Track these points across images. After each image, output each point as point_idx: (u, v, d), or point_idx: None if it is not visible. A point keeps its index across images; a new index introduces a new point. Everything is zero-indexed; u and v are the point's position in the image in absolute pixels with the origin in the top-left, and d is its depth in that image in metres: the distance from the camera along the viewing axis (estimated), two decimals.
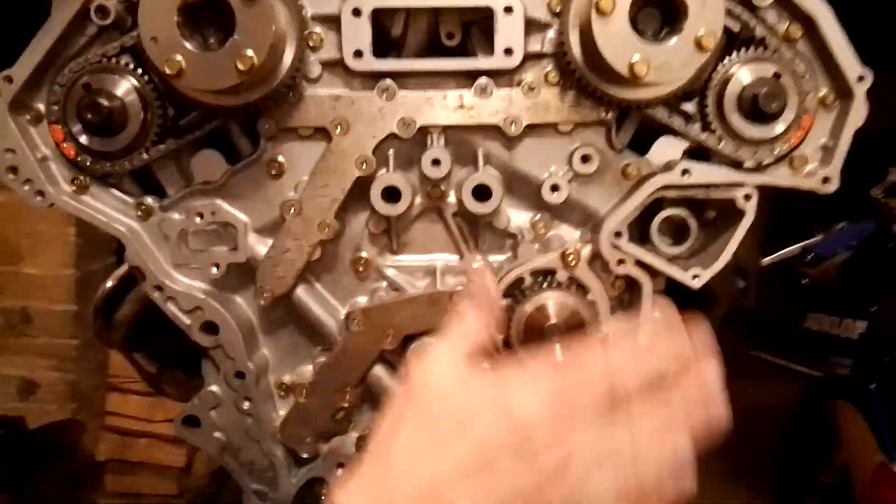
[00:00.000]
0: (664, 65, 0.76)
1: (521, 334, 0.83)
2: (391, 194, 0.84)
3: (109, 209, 0.86)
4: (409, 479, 0.53)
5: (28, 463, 2.47)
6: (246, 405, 0.88)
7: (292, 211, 0.84)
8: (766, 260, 1.77)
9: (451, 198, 0.88)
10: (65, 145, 0.84)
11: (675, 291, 0.95)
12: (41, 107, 0.85)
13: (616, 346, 0.57)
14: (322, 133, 0.84)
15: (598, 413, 0.54)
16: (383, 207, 0.84)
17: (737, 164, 0.86)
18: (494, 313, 0.62)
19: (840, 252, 1.72)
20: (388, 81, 0.83)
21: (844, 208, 1.84)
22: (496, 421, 0.53)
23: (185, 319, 0.87)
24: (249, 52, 0.74)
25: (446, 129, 0.85)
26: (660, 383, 0.55)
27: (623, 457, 0.54)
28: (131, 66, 0.83)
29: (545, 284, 0.85)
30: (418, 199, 0.88)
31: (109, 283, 1.04)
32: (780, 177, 0.87)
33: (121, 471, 2.91)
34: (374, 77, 0.83)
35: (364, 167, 0.84)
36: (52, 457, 2.64)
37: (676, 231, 0.92)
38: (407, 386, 0.58)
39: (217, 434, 0.90)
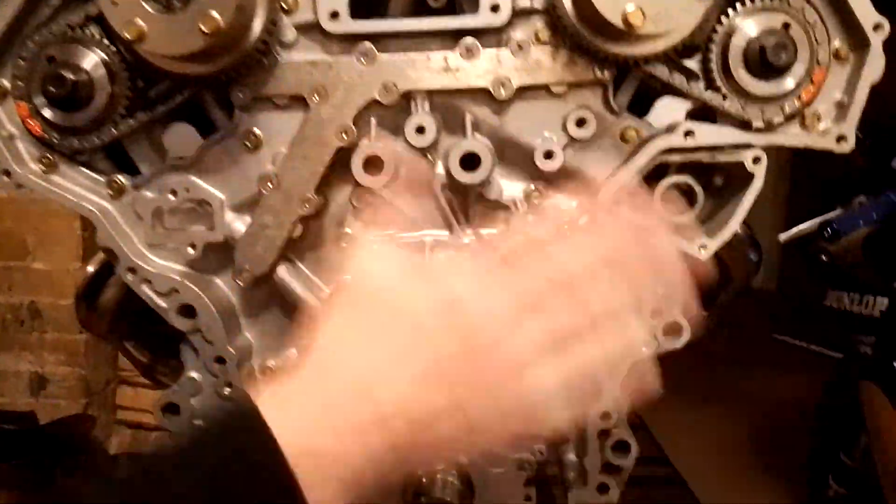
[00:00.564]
0: (661, 13, 0.70)
1: None
2: (374, 165, 0.79)
3: (79, 188, 0.82)
4: (345, 371, 0.51)
5: (41, 457, 2.46)
6: (227, 391, 0.84)
7: (270, 185, 0.80)
8: (783, 236, 1.70)
9: (440, 168, 0.83)
10: (30, 122, 0.80)
11: None
12: (6, 83, 0.81)
13: (567, 232, 0.57)
14: (299, 101, 0.79)
15: (544, 300, 0.53)
16: (366, 179, 0.79)
17: (744, 125, 0.80)
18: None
19: (860, 227, 1.65)
20: (368, 44, 0.77)
21: (864, 182, 1.77)
22: (435, 305, 0.52)
23: (161, 302, 0.83)
24: (214, 13, 0.69)
25: (431, 94, 0.80)
26: (613, 264, 0.55)
27: (572, 346, 0.53)
28: (97, 36, 0.78)
29: None
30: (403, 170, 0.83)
31: (91, 268, 1.00)
32: (792, 136, 0.81)
33: None
34: (352, 40, 0.78)
35: (345, 137, 0.79)
36: (67, 451, 2.63)
37: (682, 199, 0.87)
38: (345, 279, 0.56)
39: (199, 422, 0.86)
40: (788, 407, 3.04)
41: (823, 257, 1.84)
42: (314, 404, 0.51)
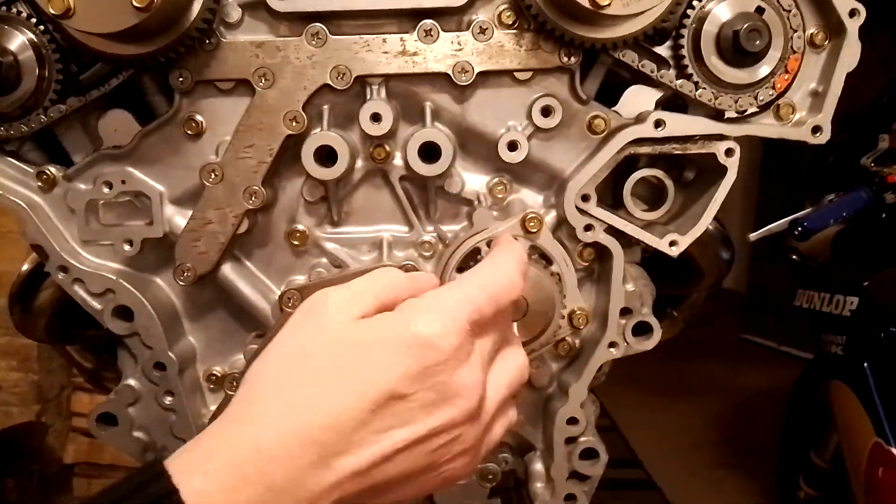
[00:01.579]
0: None
1: None
2: (326, 155, 0.74)
3: (6, 180, 0.76)
4: (277, 436, 0.48)
5: None
6: (168, 400, 0.78)
7: (213, 176, 0.74)
8: (753, 235, 1.68)
9: (398, 160, 0.78)
10: None
11: (653, 264, 0.86)
12: None
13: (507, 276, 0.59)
14: (245, 86, 0.73)
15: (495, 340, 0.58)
16: (318, 171, 0.74)
17: (717, 114, 0.76)
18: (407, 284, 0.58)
19: (831, 224, 1.63)
20: (319, 25, 0.72)
21: (834, 180, 1.76)
22: (398, 350, 0.51)
23: (95, 304, 0.76)
24: None
25: (388, 80, 0.75)
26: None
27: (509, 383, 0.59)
28: (24, 15, 0.72)
29: None
30: (360, 162, 0.78)
31: (26, 266, 0.94)
32: (766, 127, 0.78)
33: (91, 474, 2.79)
34: (302, 20, 0.72)
35: (294, 124, 0.73)
36: (20, 460, 2.53)
37: (652, 194, 0.83)
38: (288, 330, 0.54)
39: (137, 433, 0.80)
40: (758, 407, 3.04)
41: (794, 256, 1.83)
42: (244, 467, 0.47)
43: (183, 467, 0.47)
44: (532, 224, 0.76)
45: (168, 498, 0.45)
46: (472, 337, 0.54)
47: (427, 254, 0.80)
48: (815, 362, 2.08)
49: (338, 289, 0.55)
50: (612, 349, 0.80)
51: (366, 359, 0.51)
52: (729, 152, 0.77)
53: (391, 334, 0.52)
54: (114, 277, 0.76)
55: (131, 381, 0.79)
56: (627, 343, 0.80)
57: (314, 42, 0.72)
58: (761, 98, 0.76)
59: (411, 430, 0.50)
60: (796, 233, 1.57)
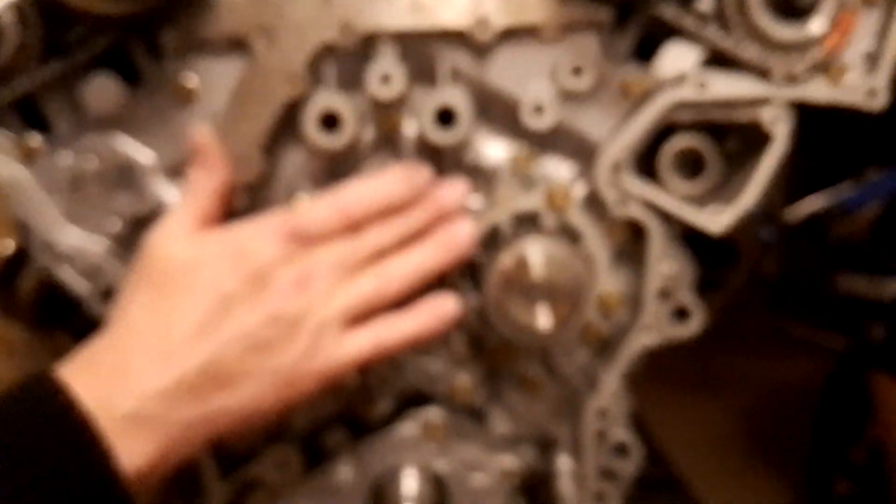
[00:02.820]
0: None
1: (499, 291, 0.66)
2: (330, 122, 0.67)
3: None
4: (148, 336, 0.57)
5: None
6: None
7: None
8: (790, 215, 1.59)
9: (410, 127, 0.71)
10: None
11: (689, 243, 0.79)
12: None
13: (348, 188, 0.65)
14: (241, 46, 0.67)
15: (354, 270, 0.62)
16: (321, 139, 0.67)
17: (763, 75, 0.69)
18: (221, 179, 0.65)
19: (872, 204, 1.54)
20: None
21: (876, 154, 1.66)
22: (228, 267, 0.59)
23: (82, 284, 0.71)
24: None
25: (399, 37, 0.68)
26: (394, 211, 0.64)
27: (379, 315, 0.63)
28: None
29: (527, 231, 0.68)
30: (367, 130, 0.71)
31: (10, 245, 0.88)
32: (815, 90, 0.70)
33: None
34: None
35: (295, 87, 0.67)
36: None
37: (691, 165, 0.75)
38: (138, 261, 0.62)
39: None
40: (791, 399, 2.95)
41: (833, 237, 1.74)
42: (119, 369, 0.55)
43: (66, 368, 0.56)
44: (559, 197, 0.69)
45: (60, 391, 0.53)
46: (289, 244, 0.61)
47: None
48: (852, 350, 1.99)
49: (160, 222, 0.65)
50: (647, 336, 0.73)
51: (195, 275, 0.59)
52: (777, 120, 0.70)
53: (221, 247, 0.61)
54: (102, 254, 0.70)
55: None
56: (664, 329, 0.73)
57: None
58: (811, 58, 0.68)
59: (239, 322, 0.57)
60: (836, 211, 1.49)
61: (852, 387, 1.90)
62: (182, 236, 0.61)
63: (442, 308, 0.65)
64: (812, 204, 1.57)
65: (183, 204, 0.64)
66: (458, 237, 0.65)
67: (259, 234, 0.61)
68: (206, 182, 0.64)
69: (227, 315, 0.57)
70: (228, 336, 0.57)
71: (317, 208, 0.63)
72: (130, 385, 0.54)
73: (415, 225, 0.64)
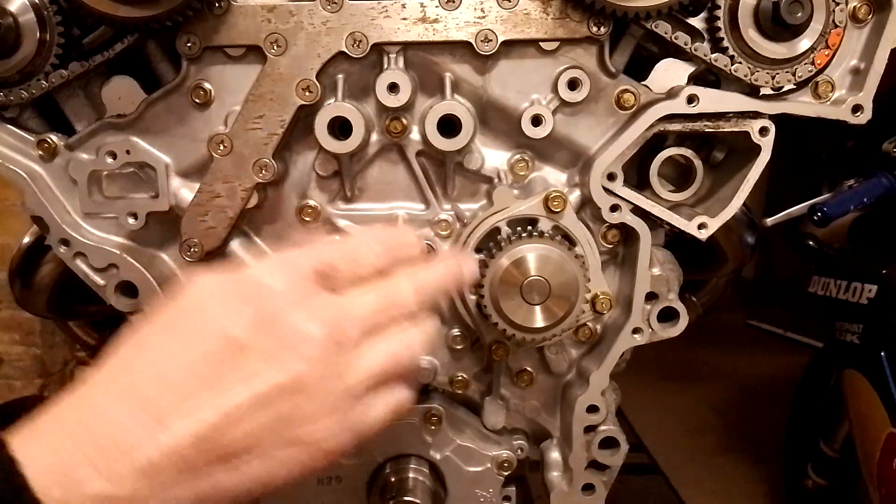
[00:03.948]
0: None
1: (497, 292, 0.69)
2: (340, 128, 0.70)
3: (6, 148, 0.72)
4: (125, 400, 0.44)
5: None
6: None
7: (222, 148, 0.70)
8: (770, 220, 1.63)
9: (415, 134, 0.74)
10: None
11: (676, 247, 0.83)
12: None
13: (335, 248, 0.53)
14: (256, 52, 0.70)
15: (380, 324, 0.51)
16: (331, 144, 0.70)
17: (752, 91, 0.72)
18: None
19: (850, 210, 1.59)
20: None
21: (854, 165, 1.71)
22: (236, 305, 0.47)
23: (98, 279, 0.73)
24: None
25: (406, 48, 0.71)
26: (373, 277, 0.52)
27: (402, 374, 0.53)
28: None
29: (525, 235, 0.71)
30: (375, 136, 0.74)
31: (27, 240, 0.90)
32: (803, 105, 0.74)
33: None
34: None
35: (307, 94, 0.70)
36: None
37: (680, 174, 0.79)
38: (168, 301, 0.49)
39: None
40: (765, 393, 3.01)
41: (811, 242, 1.78)
42: (92, 432, 0.43)
43: (24, 436, 0.44)
44: (555, 203, 0.72)
45: (6, 468, 0.41)
46: (317, 285, 0.49)
47: (444, 233, 0.77)
48: (826, 350, 2.05)
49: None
50: (635, 335, 0.76)
51: (201, 314, 0.47)
52: (763, 131, 0.73)
53: (228, 286, 0.48)
54: (117, 252, 0.73)
55: None
56: (652, 329, 0.77)
57: (329, 7, 0.68)
58: (800, 74, 0.72)
59: (252, 384, 0.45)
60: (815, 218, 1.53)
61: (825, 384, 1.95)
62: (213, 284, 0.50)
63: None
64: (795, 211, 1.61)
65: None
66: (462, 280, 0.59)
67: (277, 267, 0.50)
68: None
69: (232, 370, 0.45)
70: (237, 400, 0.44)
71: (350, 243, 0.54)
72: (105, 456, 0.42)
73: (441, 281, 0.56)
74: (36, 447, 0.42)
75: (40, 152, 0.73)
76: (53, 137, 0.73)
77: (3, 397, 2.55)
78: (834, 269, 1.77)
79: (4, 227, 2.49)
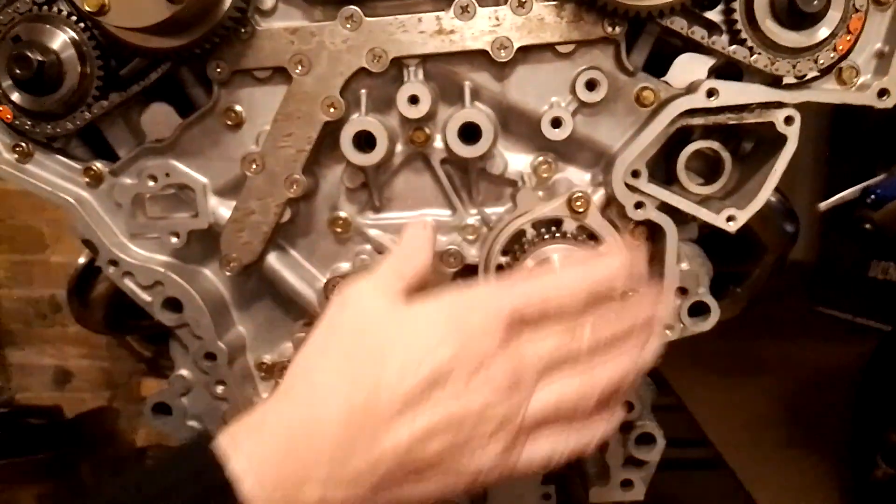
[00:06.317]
0: None
1: None
2: (365, 141, 0.73)
3: (55, 177, 0.77)
4: (326, 408, 0.49)
5: (70, 451, 2.46)
6: (220, 389, 0.79)
7: (254, 166, 0.74)
8: (824, 205, 1.60)
9: (438, 142, 0.76)
10: (1, 108, 0.75)
11: (713, 241, 0.83)
12: None
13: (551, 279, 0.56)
14: (282, 73, 0.73)
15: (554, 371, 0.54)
16: (357, 157, 0.73)
17: (774, 81, 0.72)
18: (424, 261, 0.59)
19: None
20: (353, 8, 0.70)
21: None
22: (445, 339, 0.51)
23: (145, 296, 0.77)
24: None
25: (425, 60, 0.73)
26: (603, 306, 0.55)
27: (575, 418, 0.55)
28: (65, 13, 0.73)
29: (549, 236, 0.72)
30: (399, 147, 0.76)
31: (82, 260, 0.96)
32: (827, 93, 0.72)
33: None
34: (336, 4, 0.71)
35: (332, 111, 0.72)
36: (94, 444, 2.62)
37: (708, 167, 0.79)
38: (328, 317, 0.55)
39: (191, 422, 0.81)
40: (831, 382, 2.92)
41: (867, 226, 1.74)
42: (302, 444, 0.48)
43: (235, 435, 0.49)
44: (579, 204, 0.73)
45: (216, 468, 0.47)
46: (511, 328, 0.53)
47: (471, 237, 0.78)
48: (891, 335, 1.99)
49: (365, 278, 0.57)
50: (666, 331, 0.77)
51: (414, 339, 0.51)
52: (788, 120, 0.72)
53: (440, 318, 0.52)
54: (162, 270, 0.77)
55: (183, 372, 0.80)
56: (683, 324, 0.77)
57: (349, 25, 0.71)
58: (822, 62, 0.71)
59: (448, 406, 0.50)
60: (869, 201, 1.50)
61: (892, 369, 1.89)
62: (386, 294, 0.55)
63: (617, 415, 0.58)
64: (848, 194, 1.57)
65: (388, 264, 0.58)
66: (650, 353, 0.57)
67: (483, 311, 0.52)
68: (410, 259, 0.59)
69: (434, 394, 0.49)
70: (435, 420, 0.49)
71: (543, 288, 0.55)
72: (317, 467, 0.47)
73: (628, 328, 0.56)
74: (252, 447, 0.48)
75: (87, 179, 0.77)
76: (98, 164, 0.77)
77: (74, 410, 2.66)
78: (891, 251, 1.72)
79: (63, 245, 2.61)
